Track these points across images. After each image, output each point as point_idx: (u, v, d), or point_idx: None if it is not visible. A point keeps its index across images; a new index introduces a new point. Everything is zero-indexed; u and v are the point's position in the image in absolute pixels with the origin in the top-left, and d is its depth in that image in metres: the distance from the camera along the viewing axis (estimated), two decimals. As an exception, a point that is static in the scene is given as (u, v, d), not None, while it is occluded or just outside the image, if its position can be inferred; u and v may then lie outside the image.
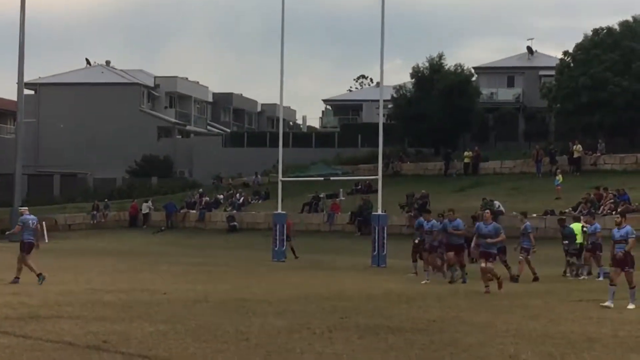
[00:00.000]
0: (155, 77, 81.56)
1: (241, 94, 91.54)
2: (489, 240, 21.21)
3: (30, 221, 22.67)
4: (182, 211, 54.35)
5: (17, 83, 51.72)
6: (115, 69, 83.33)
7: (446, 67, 62.17)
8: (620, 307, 17.21)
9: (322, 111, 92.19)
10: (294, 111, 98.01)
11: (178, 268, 29.12)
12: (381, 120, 36.41)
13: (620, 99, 52.35)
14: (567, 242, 26.08)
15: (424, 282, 24.26)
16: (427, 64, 62.23)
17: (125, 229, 53.97)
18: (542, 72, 65.80)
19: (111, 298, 18.27)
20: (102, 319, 14.77)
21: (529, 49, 71.78)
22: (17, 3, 50.00)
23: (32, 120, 70.85)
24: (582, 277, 25.35)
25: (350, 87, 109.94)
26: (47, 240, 47.63)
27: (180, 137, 78.76)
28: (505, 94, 67.74)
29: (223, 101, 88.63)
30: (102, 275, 25.21)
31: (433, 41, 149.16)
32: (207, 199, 55.05)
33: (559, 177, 44.58)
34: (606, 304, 17.40)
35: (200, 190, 58.08)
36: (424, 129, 59.35)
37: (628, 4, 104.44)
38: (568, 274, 25.97)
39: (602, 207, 37.81)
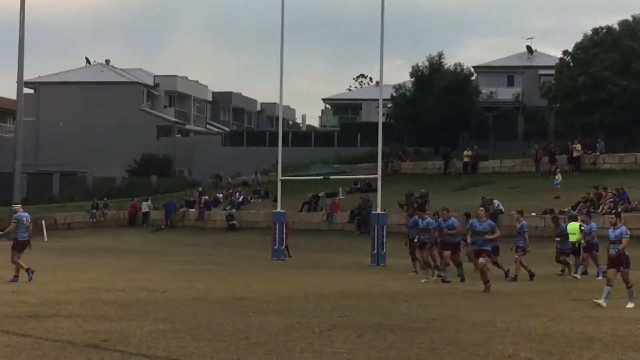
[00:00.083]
0: (154, 76, 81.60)
1: (240, 93, 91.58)
2: (487, 235, 21.23)
3: (24, 218, 22.62)
4: (181, 210, 54.37)
5: (17, 82, 51.68)
6: (115, 68, 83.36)
7: (446, 67, 62.20)
8: (619, 306, 17.22)
9: (322, 110, 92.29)
10: (294, 110, 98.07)
11: (177, 267, 29.12)
12: (381, 120, 36.38)
13: (619, 98, 52.37)
14: (558, 239, 26.18)
15: (423, 280, 24.27)
16: (426, 63, 62.25)
17: (124, 228, 53.97)
18: (541, 72, 65.81)
19: (110, 297, 18.25)
20: (102, 318, 14.76)
21: (529, 48, 71.76)
22: (17, 2, 49.99)
23: (32, 119, 70.79)
24: (571, 276, 25.24)
25: (350, 86, 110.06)
26: (46, 239, 47.70)
27: (179, 136, 78.79)
28: (505, 93, 67.72)
29: (222, 100, 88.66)
30: (101, 274, 25.19)
31: (433, 40, 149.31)
32: (207, 197, 55.05)
33: (559, 177, 44.60)
34: (599, 301, 17.40)
35: (200, 189, 58.06)
36: (423, 128, 59.34)
37: (628, 4, 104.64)
38: (567, 273, 25.97)
39: (601, 206, 37.84)
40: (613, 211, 23.26)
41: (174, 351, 11.63)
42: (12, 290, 19.22)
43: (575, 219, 27.05)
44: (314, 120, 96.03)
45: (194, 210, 53.98)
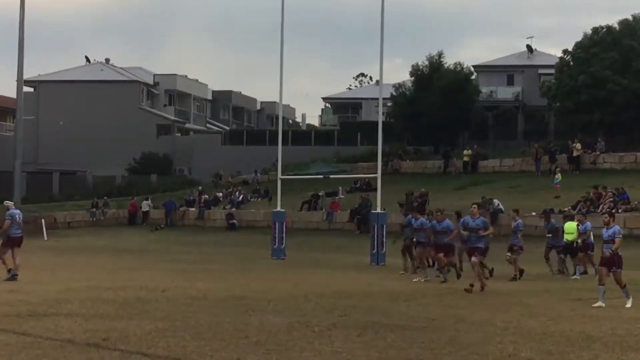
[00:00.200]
0: (154, 75, 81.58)
1: (240, 92, 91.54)
2: (480, 232, 21.21)
3: (17, 215, 22.60)
4: (181, 209, 54.34)
5: (17, 80, 51.54)
6: (115, 66, 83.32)
7: (446, 66, 62.12)
8: (618, 305, 17.24)
9: (322, 109, 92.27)
10: (294, 109, 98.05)
11: (177, 266, 29.10)
12: (380, 119, 36.35)
13: (619, 97, 52.35)
14: (550, 235, 26.22)
15: (423, 280, 24.26)
16: (426, 63, 62.20)
17: (124, 227, 53.93)
18: (541, 71, 65.80)
19: (110, 295, 18.25)
20: (101, 317, 14.76)
21: (529, 47, 71.76)
22: (17, 0, 49.94)
23: (32, 117, 70.77)
24: (571, 278, 25.26)
25: (350, 85, 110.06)
26: (46, 238, 47.66)
27: (179, 134, 78.75)
28: (505, 93, 67.71)
29: (222, 99, 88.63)
30: (101, 273, 25.20)
31: (433, 40, 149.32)
32: (207, 196, 55.01)
33: (558, 176, 44.57)
34: (597, 304, 17.43)
35: (200, 188, 58.02)
36: (423, 127, 59.29)
37: (628, 3, 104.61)
38: (567, 273, 25.97)
39: (601, 205, 37.82)
40: (606, 211, 23.31)
41: (173, 350, 11.63)
42: (11, 289, 19.21)
43: (572, 219, 27.03)
44: (313, 119, 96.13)
45: (193, 209, 53.95)
